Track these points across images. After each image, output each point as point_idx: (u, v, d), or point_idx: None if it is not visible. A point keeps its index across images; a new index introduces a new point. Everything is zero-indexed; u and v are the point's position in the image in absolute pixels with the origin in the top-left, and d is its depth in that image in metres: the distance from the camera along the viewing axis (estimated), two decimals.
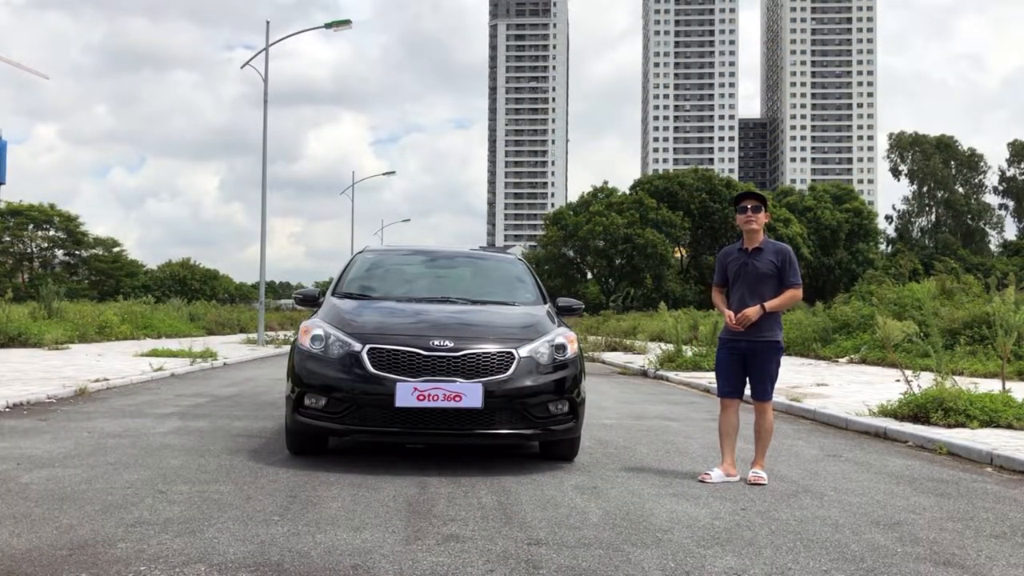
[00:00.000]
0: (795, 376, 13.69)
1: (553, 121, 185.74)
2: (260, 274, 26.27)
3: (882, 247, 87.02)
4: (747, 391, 5.61)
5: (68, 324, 21.25)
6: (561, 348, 5.64)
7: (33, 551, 3.50)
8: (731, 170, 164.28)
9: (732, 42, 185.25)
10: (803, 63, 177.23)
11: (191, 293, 60.24)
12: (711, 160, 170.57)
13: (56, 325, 20.51)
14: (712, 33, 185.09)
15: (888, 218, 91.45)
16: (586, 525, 4.14)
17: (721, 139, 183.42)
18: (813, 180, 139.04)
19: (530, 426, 5.36)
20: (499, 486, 4.98)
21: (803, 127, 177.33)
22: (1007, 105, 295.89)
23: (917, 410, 7.76)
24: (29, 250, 65.26)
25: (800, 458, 6.34)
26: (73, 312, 23.35)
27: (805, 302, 45.00)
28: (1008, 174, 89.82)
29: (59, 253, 66.46)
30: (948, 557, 3.73)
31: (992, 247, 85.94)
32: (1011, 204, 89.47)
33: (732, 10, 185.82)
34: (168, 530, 3.85)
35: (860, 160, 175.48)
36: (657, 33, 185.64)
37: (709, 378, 13.16)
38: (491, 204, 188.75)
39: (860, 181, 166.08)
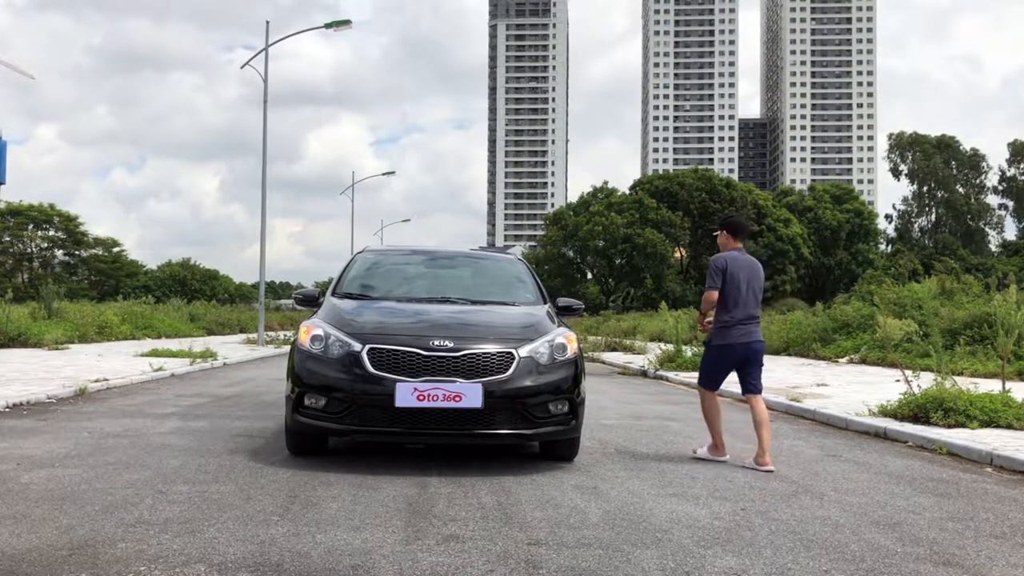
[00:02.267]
0: (795, 376, 13.69)
1: (553, 121, 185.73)
2: (260, 274, 26.26)
3: (882, 247, 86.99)
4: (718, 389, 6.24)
5: (68, 324, 21.26)
6: (561, 348, 5.64)
7: (33, 551, 3.50)
8: (731, 170, 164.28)
9: (732, 42, 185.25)
10: (803, 63, 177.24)
11: (191, 293, 60.27)
12: (711, 160, 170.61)
13: (56, 325, 20.51)
14: (712, 33, 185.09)
15: (888, 218, 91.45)
16: (586, 525, 4.14)
17: (721, 139, 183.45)
18: (813, 180, 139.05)
19: (530, 426, 5.35)
20: (499, 486, 4.98)
21: (803, 127, 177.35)
22: (1006, 105, 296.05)
23: (917, 410, 7.76)
24: (29, 250, 65.20)
25: (800, 458, 6.34)
26: (73, 312, 23.34)
27: (805, 302, 45.09)
28: (1008, 174, 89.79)
29: (59, 253, 66.41)
30: (948, 557, 3.73)
31: (992, 247, 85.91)
32: (1011, 204, 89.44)
33: (732, 10, 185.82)
34: (168, 530, 3.85)
35: (860, 160, 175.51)
36: (657, 33, 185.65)
37: None
38: (491, 204, 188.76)
39: (860, 181, 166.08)
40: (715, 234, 6.49)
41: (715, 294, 6.11)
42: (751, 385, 6.11)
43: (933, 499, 4.94)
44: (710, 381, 6.21)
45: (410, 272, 7.11)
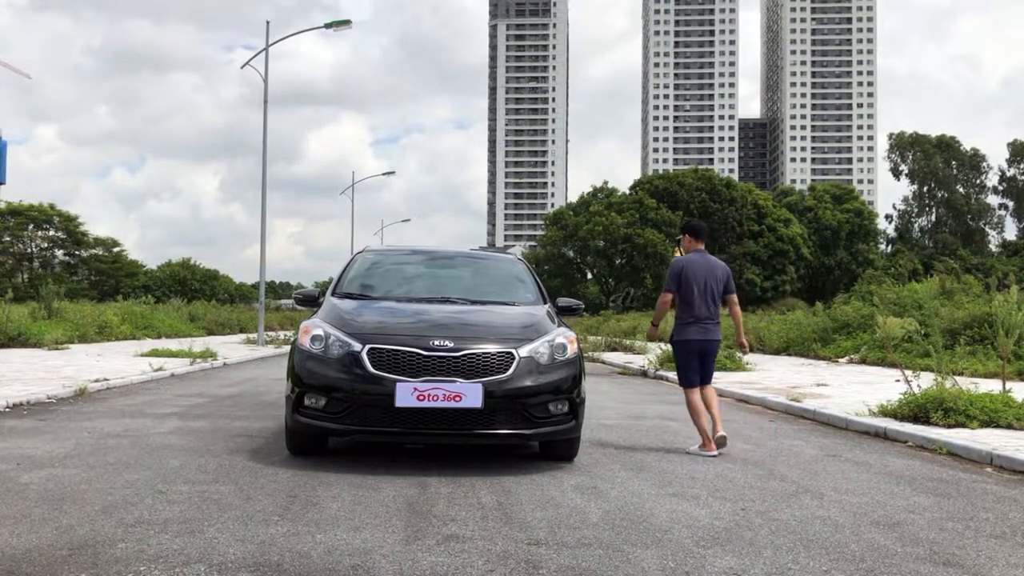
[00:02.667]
0: (795, 376, 13.69)
1: (553, 121, 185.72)
2: (260, 274, 26.27)
3: (882, 247, 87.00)
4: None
5: (68, 324, 21.26)
6: (561, 348, 5.64)
7: (33, 551, 3.50)
8: (731, 170, 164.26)
9: (732, 42, 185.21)
10: (803, 63, 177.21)
11: (191, 293, 60.23)
12: (711, 160, 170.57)
13: (56, 325, 20.51)
14: (712, 33, 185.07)
15: (888, 218, 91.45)
16: (586, 525, 4.14)
17: (721, 139, 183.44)
18: (813, 180, 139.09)
19: (530, 426, 5.36)
20: (499, 486, 4.98)
21: (803, 127, 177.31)
22: (1005, 106, 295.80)
23: (917, 410, 7.76)
24: (29, 250, 65.21)
25: (800, 458, 6.34)
26: (73, 312, 23.35)
27: (805, 302, 44.95)
28: (1008, 174, 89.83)
29: (59, 253, 66.43)
30: (948, 557, 3.73)
31: (992, 247, 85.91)
32: (1011, 204, 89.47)
33: (732, 10, 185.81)
34: (168, 530, 3.85)
35: (860, 160, 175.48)
36: (657, 33, 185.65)
37: None
38: (491, 204, 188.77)
39: (860, 181, 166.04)
40: (678, 239, 7.14)
41: (669, 297, 6.67)
42: (703, 377, 6.62)
43: (933, 499, 4.94)
44: (685, 378, 6.62)
45: (410, 272, 7.11)
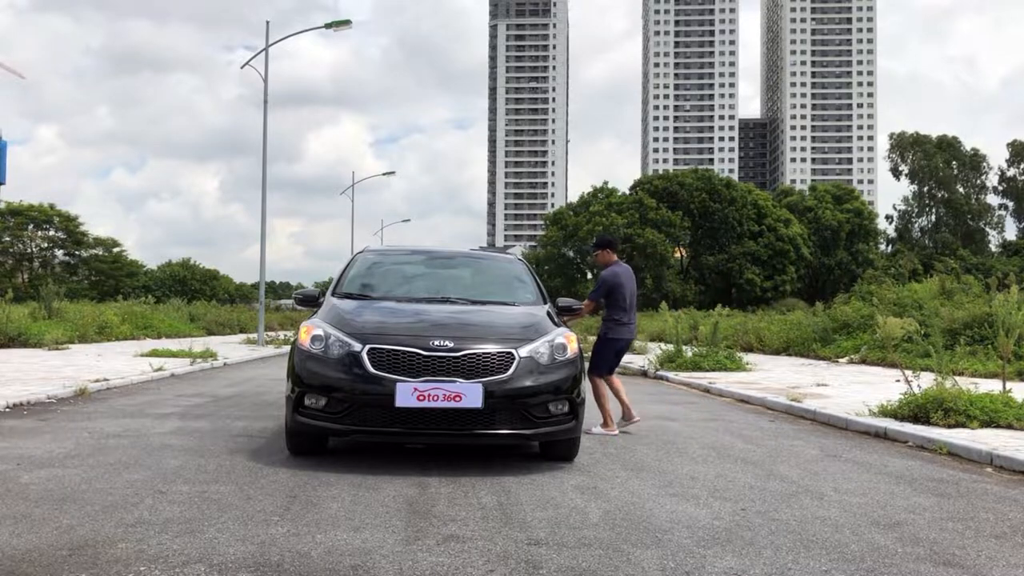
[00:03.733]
0: (795, 376, 13.69)
1: (553, 121, 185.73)
2: (260, 274, 26.27)
3: (882, 247, 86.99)
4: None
5: (68, 324, 21.25)
6: (561, 348, 5.64)
7: (33, 551, 3.50)
8: (731, 170, 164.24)
9: (732, 42, 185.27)
10: (803, 63, 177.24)
11: (191, 293, 60.32)
12: (711, 160, 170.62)
13: (56, 325, 20.50)
14: (712, 33, 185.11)
15: (888, 218, 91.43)
16: (586, 525, 4.14)
17: (721, 139, 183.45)
18: (813, 180, 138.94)
19: (530, 426, 5.36)
20: (499, 486, 4.98)
21: (803, 127, 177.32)
22: (1004, 106, 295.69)
23: (917, 410, 7.76)
24: (29, 250, 65.16)
25: (800, 458, 6.34)
26: (73, 312, 23.34)
27: (805, 302, 44.95)
28: (1008, 174, 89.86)
29: (59, 253, 66.37)
30: (948, 557, 3.73)
31: (992, 247, 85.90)
32: (1011, 204, 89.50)
33: (732, 10, 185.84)
34: (168, 530, 3.85)
35: (860, 160, 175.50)
36: (657, 33, 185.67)
37: (710, 378, 13.15)
38: (491, 204, 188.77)
39: (860, 181, 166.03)
40: (595, 253, 7.94)
41: (594, 305, 7.69)
42: (613, 368, 7.69)
43: (933, 499, 4.94)
44: (601, 369, 7.62)
45: (410, 272, 7.12)
